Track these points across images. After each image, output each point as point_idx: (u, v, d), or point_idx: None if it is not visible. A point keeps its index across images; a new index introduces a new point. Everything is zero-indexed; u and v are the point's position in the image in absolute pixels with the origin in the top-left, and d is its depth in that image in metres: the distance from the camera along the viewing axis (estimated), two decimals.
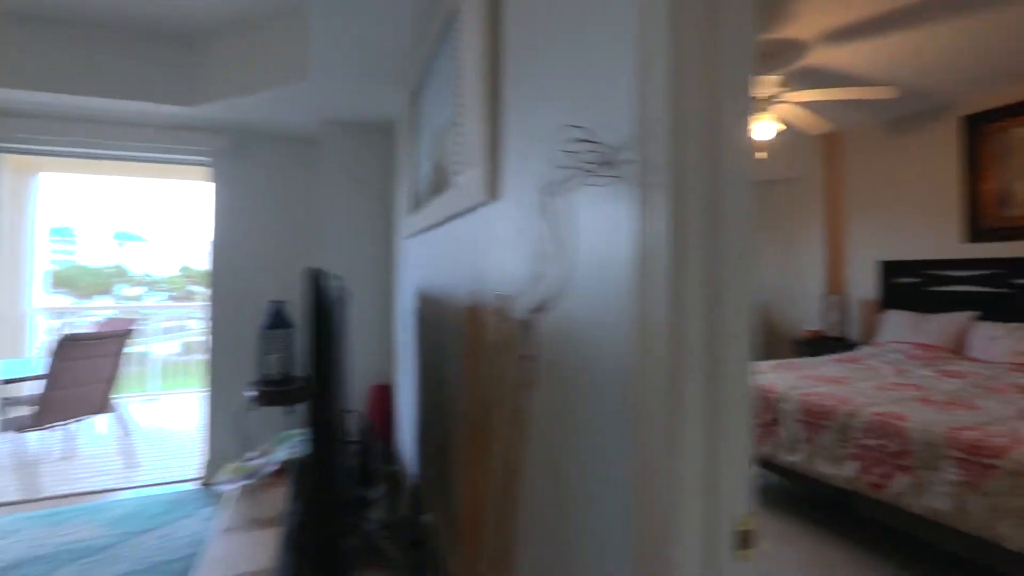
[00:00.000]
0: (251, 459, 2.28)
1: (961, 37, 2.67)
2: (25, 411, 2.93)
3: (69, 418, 2.97)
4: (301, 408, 2.06)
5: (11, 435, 2.92)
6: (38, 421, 2.82)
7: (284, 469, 2.00)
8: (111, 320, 4.28)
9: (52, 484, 2.93)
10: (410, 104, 2.30)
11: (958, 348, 3.27)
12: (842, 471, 2.17)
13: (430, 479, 1.80)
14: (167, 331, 6.79)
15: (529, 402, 0.88)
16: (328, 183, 2.99)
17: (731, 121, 0.59)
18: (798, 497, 2.68)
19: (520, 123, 1.02)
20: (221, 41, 2.54)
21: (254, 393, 2.47)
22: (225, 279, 3.06)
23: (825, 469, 2.24)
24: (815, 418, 2.33)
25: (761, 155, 3.34)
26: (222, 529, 1.70)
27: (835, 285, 4.43)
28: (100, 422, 3.85)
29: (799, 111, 2.99)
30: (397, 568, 1.58)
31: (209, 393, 3.01)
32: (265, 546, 1.51)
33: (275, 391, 2.44)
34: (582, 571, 0.73)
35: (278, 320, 2.55)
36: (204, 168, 3.12)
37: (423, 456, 1.93)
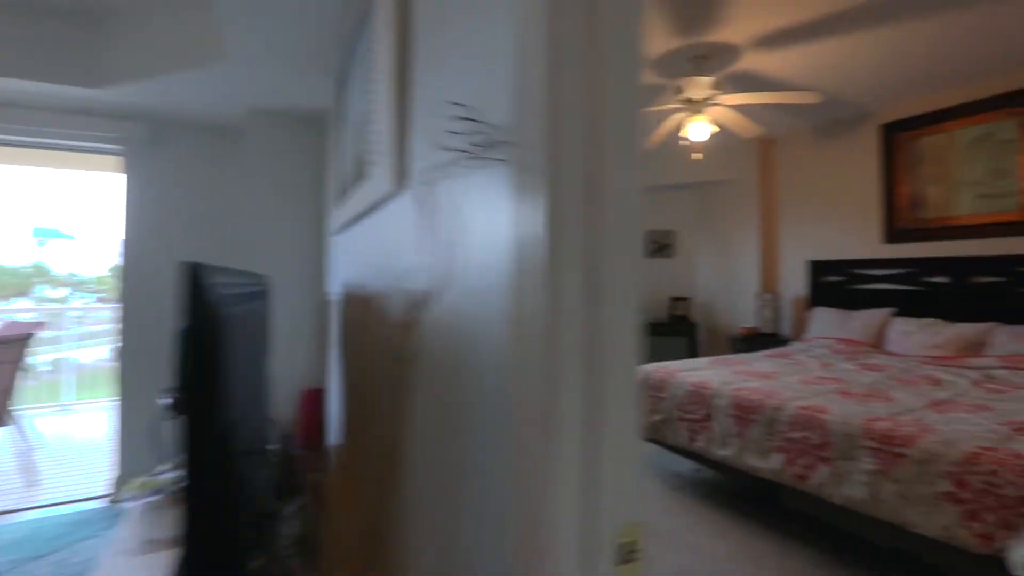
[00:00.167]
0: (161, 473, 2.10)
1: (880, 48, 2.81)
2: None
3: None
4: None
5: None
6: None
7: None
8: (10, 324, 3.88)
9: None
10: (337, 93, 2.19)
11: (877, 343, 3.47)
12: (769, 463, 2.23)
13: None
14: (93, 335, 6.30)
15: (408, 406, 0.82)
16: (255, 176, 2.81)
17: (617, 107, 0.54)
18: (730, 491, 2.75)
19: (427, 110, 0.96)
20: (128, 18, 2.33)
21: (168, 401, 2.28)
22: (138, 278, 2.83)
23: (753, 462, 2.30)
24: (745, 412, 2.38)
25: (697, 156, 3.42)
26: (115, 552, 1.54)
27: (769, 284, 4.61)
28: None
29: (732, 114, 3.08)
30: None
31: (120, 402, 2.77)
32: (159, 571, 1.38)
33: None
34: None
35: None
36: (117, 158, 2.88)
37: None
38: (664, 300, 5.23)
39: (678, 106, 3.00)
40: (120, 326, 2.81)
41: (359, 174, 1.57)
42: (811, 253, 4.27)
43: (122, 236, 2.83)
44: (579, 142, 0.52)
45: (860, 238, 3.94)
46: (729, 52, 2.83)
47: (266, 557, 1.24)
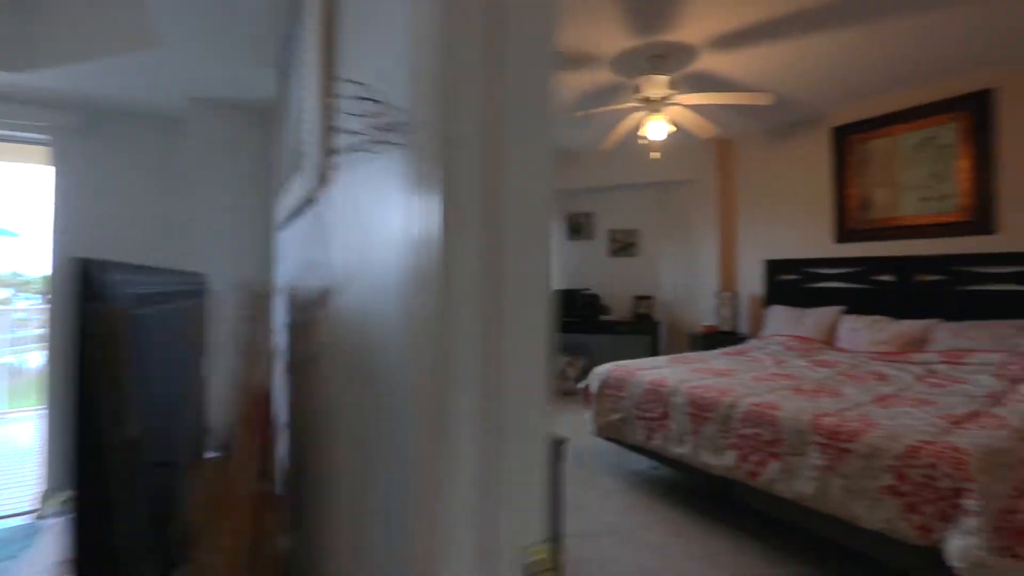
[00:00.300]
0: None
1: (830, 53, 2.88)
2: None
3: None
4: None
5: None
6: None
7: None
8: None
9: None
10: (280, 84, 2.09)
11: (829, 339, 3.56)
12: (723, 460, 2.25)
13: (290, 495, 1.62)
14: (35, 339, 5.91)
15: (315, 409, 0.76)
16: (199, 169, 2.67)
17: (523, 97, 0.50)
18: (687, 488, 2.76)
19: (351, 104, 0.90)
20: None
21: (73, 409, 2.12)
22: (68, 277, 2.64)
23: (708, 459, 2.31)
24: (700, 410, 2.40)
25: (655, 155, 3.44)
26: (28, 575, 1.41)
27: (728, 283, 4.70)
28: None
29: (689, 114, 3.11)
30: None
31: (48, 410, 2.58)
32: None
33: None
34: None
35: None
36: (45, 148, 2.68)
37: (288, 469, 1.75)
38: (628, 299, 5.27)
39: (636, 105, 3.00)
40: (49, 329, 2.62)
41: (295, 167, 1.49)
42: (768, 252, 4.37)
43: (51, 232, 2.64)
44: (478, 125, 0.47)
45: (813, 238, 4.05)
46: (686, 52, 2.85)
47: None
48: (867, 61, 3.00)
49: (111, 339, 0.82)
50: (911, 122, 3.45)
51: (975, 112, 3.14)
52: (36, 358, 5.91)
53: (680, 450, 2.46)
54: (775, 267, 4.27)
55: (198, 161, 2.65)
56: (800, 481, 1.95)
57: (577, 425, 3.54)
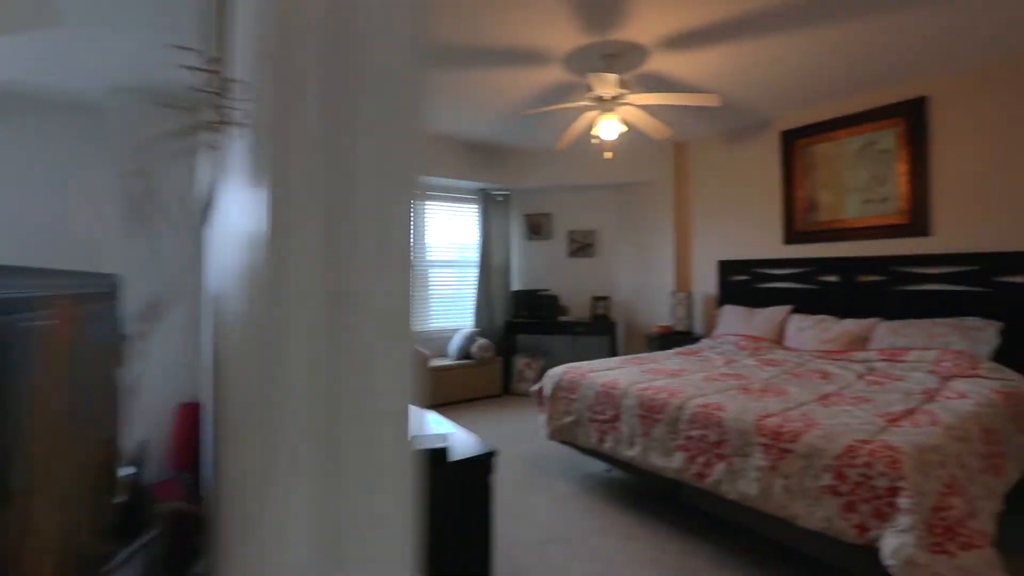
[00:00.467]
0: None
1: (778, 57, 2.93)
2: None
3: None
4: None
5: None
6: None
7: None
8: None
9: None
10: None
11: (778, 338, 3.63)
12: (672, 463, 2.23)
13: (210, 512, 1.50)
14: None
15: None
16: (120, 162, 2.47)
17: (379, 67, 0.42)
18: (639, 490, 2.75)
19: None
20: None
21: None
22: None
23: (657, 461, 2.30)
24: (650, 412, 2.38)
25: (607, 155, 3.42)
26: None
27: (683, 283, 4.75)
28: None
29: (642, 114, 3.10)
30: None
31: None
32: None
33: None
34: None
35: None
36: None
37: (212, 485, 1.62)
38: (587, 299, 5.26)
39: (588, 104, 2.97)
40: None
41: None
42: (721, 253, 4.44)
43: None
44: (318, 95, 0.39)
45: (764, 239, 4.14)
46: (638, 52, 2.84)
47: None
48: (812, 67, 3.07)
49: None
50: (853, 127, 3.55)
51: (911, 118, 3.26)
52: None
53: (631, 453, 2.44)
54: (728, 267, 4.34)
55: (118, 152, 2.45)
56: (744, 482, 1.94)
57: (534, 429, 3.48)
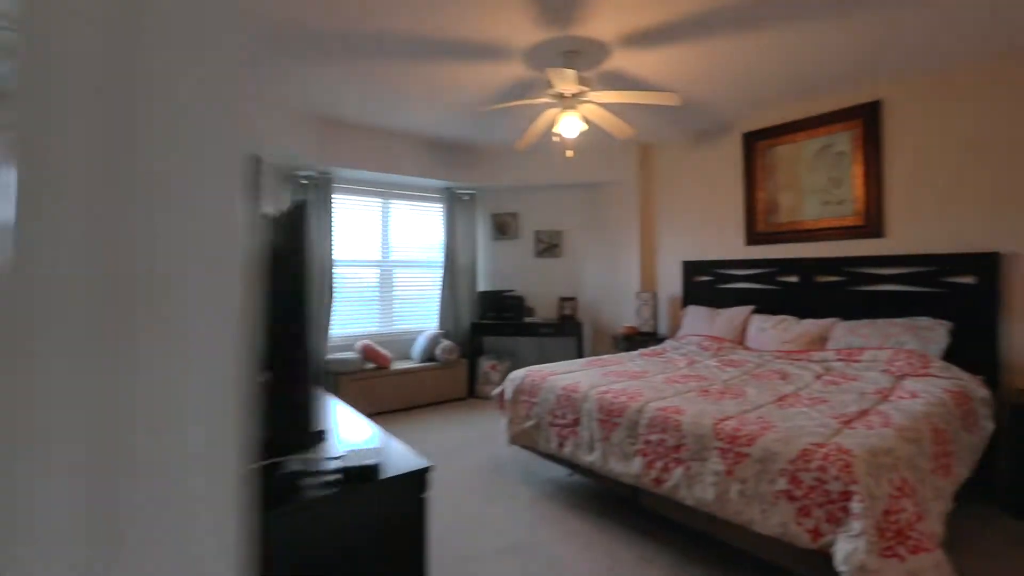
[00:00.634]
0: None
1: (740, 58, 2.93)
2: None
3: None
4: None
5: None
6: None
7: None
8: None
9: None
10: None
11: (740, 339, 3.65)
12: (630, 468, 2.19)
13: None
14: None
15: None
16: None
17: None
18: (600, 495, 2.70)
19: None
20: None
21: None
22: None
23: (616, 466, 2.25)
24: (609, 416, 2.33)
25: (569, 153, 3.37)
26: None
27: (648, 283, 4.75)
28: None
29: (605, 113, 3.06)
30: None
31: None
32: None
33: None
34: None
35: None
36: None
37: None
38: (554, 300, 5.22)
39: (549, 101, 2.91)
40: None
41: None
42: (686, 254, 4.45)
43: None
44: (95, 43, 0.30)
45: (727, 240, 4.16)
46: (599, 49, 2.79)
47: None
48: (773, 68, 3.08)
49: None
50: (811, 129, 3.60)
51: (867, 121, 3.31)
52: None
53: (590, 458, 2.38)
54: (692, 268, 4.36)
55: None
56: (701, 487, 1.91)
57: (498, 433, 3.40)
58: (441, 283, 5.07)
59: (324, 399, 1.77)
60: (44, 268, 0.28)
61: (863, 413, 2.04)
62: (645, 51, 2.83)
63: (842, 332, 3.12)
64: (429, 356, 4.70)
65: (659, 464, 2.08)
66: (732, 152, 4.11)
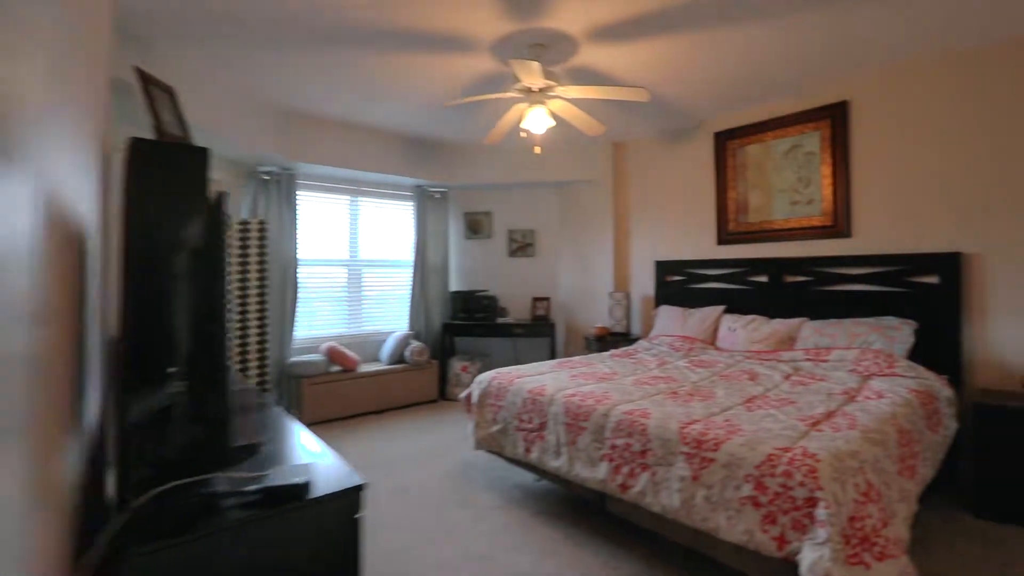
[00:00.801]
0: None
1: (708, 58, 2.89)
2: None
3: None
4: None
5: None
6: None
7: None
8: None
9: None
10: None
11: (711, 339, 3.63)
12: (596, 473, 2.12)
13: None
14: None
15: None
16: None
17: None
18: (568, 501, 2.63)
19: None
20: None
21: None
22: None
23: (582, 472, 2.18)
24: (576, 420, 2.26)
25: (537, 150, 3.30)
26: None
27: (621, 283, 4.71)
28: None
29: (574, 109, 2.99)
30: None
31: None
32: None
33: None
34: None
35: None
36: None
37: None
38: (527, 300, 5.14)
39: (516, 96, 2.83)
40: None
41: None
42: (658, 253, 4.42)
43: None
44: None
45: (699, 239, 4.14)
46: (567, 43, 2.72)
47: None
48: (742, 67, 3.06)
49: None
50: (781, 129, 3.60)
51: (834, 121, 3.32)
52: None
53: (557, 463, 2.31)
54: (664, 268, 4.33)
55: None
56: (667, 493, 1.85)
57: (466, 437, 3.31)
58: (412, 283, 4.95)
59: (268, 408, 1.66)
60: None
61: (829, 415, 2.01)
62: (613, 46, 2.77)
63: (810, 332, 3.12)
64: (398, 358, 4.58)
65: (625, 469, 2.02)
66: (703, 151, 4.10)
